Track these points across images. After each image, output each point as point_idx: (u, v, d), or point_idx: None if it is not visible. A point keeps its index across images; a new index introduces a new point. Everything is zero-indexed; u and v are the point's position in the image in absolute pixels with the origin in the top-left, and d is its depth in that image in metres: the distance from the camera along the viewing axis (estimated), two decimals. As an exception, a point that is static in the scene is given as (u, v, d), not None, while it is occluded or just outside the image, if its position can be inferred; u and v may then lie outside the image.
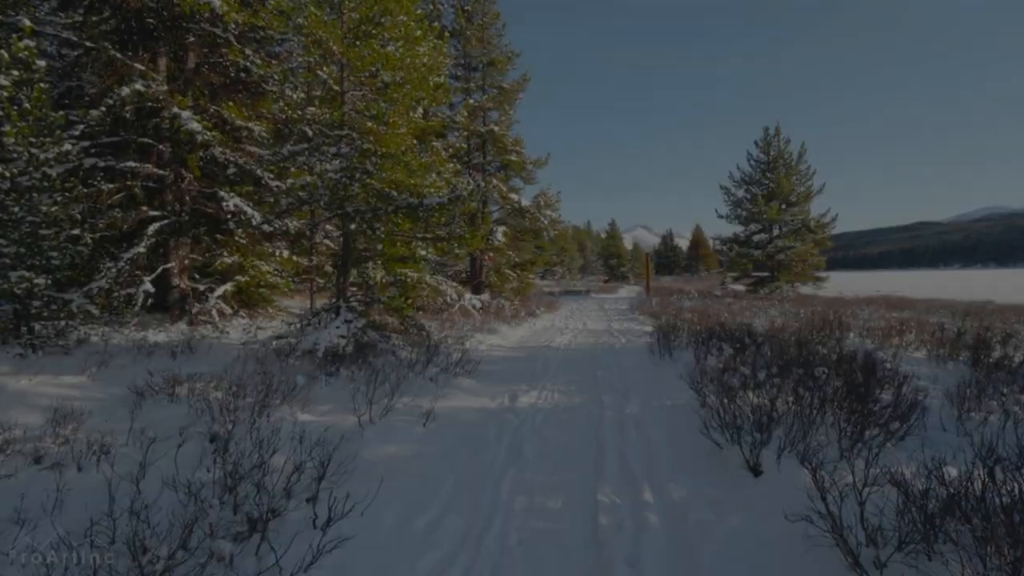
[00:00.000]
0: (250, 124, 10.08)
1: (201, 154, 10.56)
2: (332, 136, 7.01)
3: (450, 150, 11.39)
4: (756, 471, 3.22)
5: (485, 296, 15.38)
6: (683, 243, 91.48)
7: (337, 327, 7.03)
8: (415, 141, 9.42)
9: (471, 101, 14.94)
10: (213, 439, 4.24)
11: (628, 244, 80.00)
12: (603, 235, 74.06)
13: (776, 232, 23.90)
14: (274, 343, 7.77)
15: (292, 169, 6.60)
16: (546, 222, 15.80)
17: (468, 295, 14.46)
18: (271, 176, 10.34)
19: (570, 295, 31.81)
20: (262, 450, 3.44)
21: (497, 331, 10.65)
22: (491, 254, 16.39)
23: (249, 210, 10.29)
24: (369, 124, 7.43)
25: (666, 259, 79.07)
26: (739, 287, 27.55)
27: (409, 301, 7.83)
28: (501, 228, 15.65)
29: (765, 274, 24.55)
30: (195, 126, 9.03)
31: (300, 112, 7.44)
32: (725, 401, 4.04)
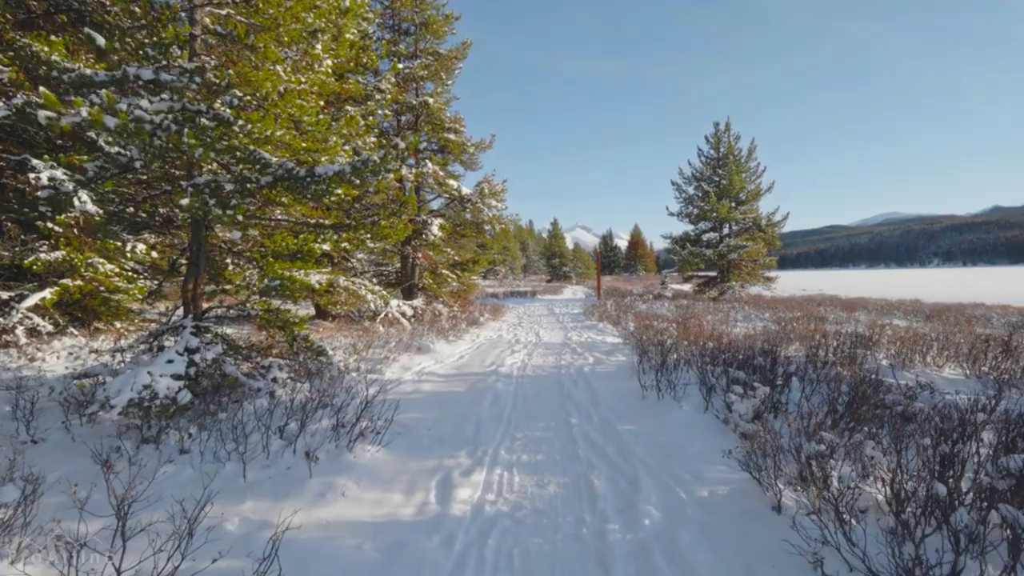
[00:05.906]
0: (78, 66, 7.13)
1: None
2: (151, 57, 4.44)
3: (370, 119, 8.89)
4: None
5: (418, 301, 12.92)
6: (621, 243, 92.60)
7: (169, 360, 4.46)
8: (323, 104, 6.98)
9: (401, 67, 12.39)
10: None
11: (568, 244, 79.74)
12: (545, 234, 72.97)
13: (727, 231, 23.12)
14: (74, 384, 5.05)
15: (51, 94, 3.96)
16: (490, 214, 13.58)
17: (397, 301, 11.92)
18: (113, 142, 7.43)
19: (515, 296, 29.77)
20: None
21: (430, 349, 8.30)
22: (426, 251, 13.95)
23: (73, 185, 7.33)
24: (223, 46, 4.91)
25: (606, 259, 79.62)
26: (686, 287, 26.71)
27: (300, 317, 5.35)
28: (438, 221, 13.24)
29: (714, 274, 23.72)
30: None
31: (127, 37, 4.79)
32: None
